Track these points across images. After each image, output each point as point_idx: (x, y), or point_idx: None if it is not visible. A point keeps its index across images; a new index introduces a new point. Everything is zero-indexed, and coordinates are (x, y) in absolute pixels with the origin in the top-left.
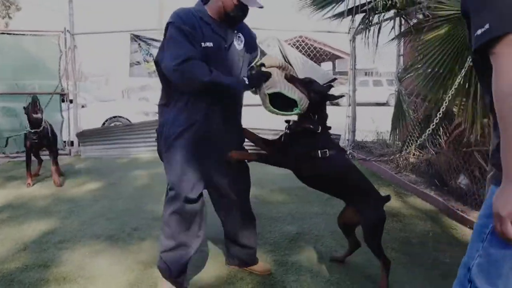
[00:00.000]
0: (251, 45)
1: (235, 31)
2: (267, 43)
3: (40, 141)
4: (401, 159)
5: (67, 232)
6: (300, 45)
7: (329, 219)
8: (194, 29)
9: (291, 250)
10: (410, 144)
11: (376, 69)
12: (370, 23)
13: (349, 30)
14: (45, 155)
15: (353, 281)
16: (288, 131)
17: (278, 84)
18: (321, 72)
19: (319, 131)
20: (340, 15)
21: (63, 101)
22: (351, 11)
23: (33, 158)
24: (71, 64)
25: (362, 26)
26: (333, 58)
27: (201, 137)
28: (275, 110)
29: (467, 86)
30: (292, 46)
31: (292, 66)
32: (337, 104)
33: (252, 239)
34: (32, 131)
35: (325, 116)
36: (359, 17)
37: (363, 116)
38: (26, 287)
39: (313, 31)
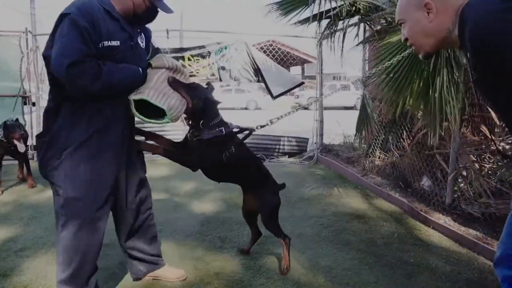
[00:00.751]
0: (148, 43)
1: (138, 29)
2: (234, 47)
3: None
4: (367, 162)
5: (28, 240)
6: (271, 49)
7: (296, 222)
8: (95, 26)
9: (259, 254)
10: (375, 148)
11: (344, 73)
12: (335, 29)
13: (316, 34)
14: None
15: (319, 283)
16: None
17: (147, 90)
18: (288, 76)
19: (210, 138)
20: (306, 20)
21: (25, 103)
22: (316, 17)
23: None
24: (33, 65)
25: (328, 32)
26: (302, 62)
27: (105, 145)
28: (140, 116)
29: (428, 91)
30: (262, 50)
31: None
32: (306, 108)
33: (155, 245)
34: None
35: (215, 120)
36: (325, 22)
37: (331, 120)
38: None
39: (282, 36)
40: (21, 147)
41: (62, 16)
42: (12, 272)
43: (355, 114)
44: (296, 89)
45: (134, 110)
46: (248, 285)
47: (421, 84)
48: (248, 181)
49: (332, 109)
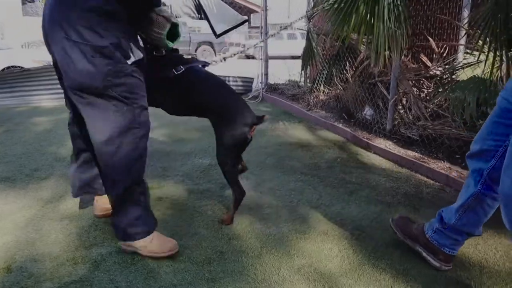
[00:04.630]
0: None
1: None
2: None
3: None
4: (312, 97)
5: None
6: None
7: None
8: None
9: (203, 179)
10: (320, 83)
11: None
12: None
13: None
14: None
15: (263, 203)
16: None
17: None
18: (232, 13)
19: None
20: None
21: None
22: None
23: None
24: None
25: None
26: (248, 12)
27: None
28: (165, 40)
29: (371, 20)
30: None
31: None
32: (253, 58)
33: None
34: None
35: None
36: None
37: (278, 67)
38: None
39: None
40: None
41: None
42: None
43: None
44: (242, 39)
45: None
46: (191, 206)
47: (365, 13)
48: (205, 109)
49: (278, 59)
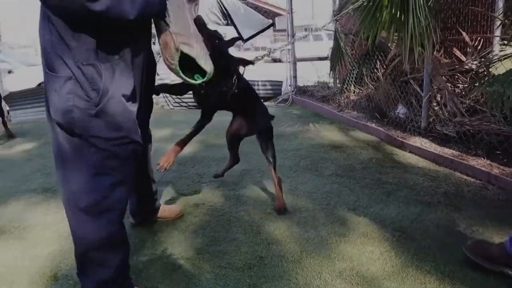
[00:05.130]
0: None
1: None
2: None
3: None
4: (343, 98)
5: None
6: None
7: None
8: None
9: (239, 185)
10: (350, 83)
11: (315, 25)
12: None
13: None
14: None
15: (300, 206)
16: None
17: (193, 42)
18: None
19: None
20: None
21: None
22: None
23: None
24: None
25: None
26: (273, 16)
27: None
28: (181, 75)
29: (401, 17)
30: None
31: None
32: (279, 61)
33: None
34: None
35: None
36: None
37: (306, 69)
38: None
39: None
40: None
41: None
42: None
43: (328, 64)
44: (268, 42)
45: (177, 63)
46: (228, 212)
47: (394, 10)
48: (242, 105)
49: (305, 61)
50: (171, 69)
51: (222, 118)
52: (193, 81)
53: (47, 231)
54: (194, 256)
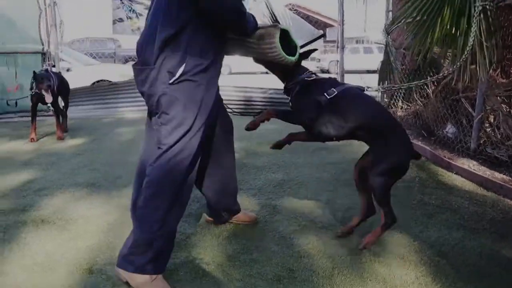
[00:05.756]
0: None
1: None
2: None
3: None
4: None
5: (47, 181)
6: (292, 12)
7: (313, 168)
8: None
9: (276, 194)
10: (398, 98)
11: (367, 37)
12: None
13: None
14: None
15: (336, 221)
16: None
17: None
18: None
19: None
20: None
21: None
22: None
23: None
24: (51, 21)
25: None
26: (324, 26)
27: None
28: (282, 53)
29: (456, 33)
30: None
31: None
32: (327, 72)
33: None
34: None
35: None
36: None
37: (354, 82)
38: (2, 229)
39: None
40: (48, 98)
41: None
42: (30, 208)
43: (377, 77)
44: (318, 53)
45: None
46: (263, 221)
47: (450, 25)
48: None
49: (354, 73)
50: (271, 51)
51: (266, 127)
52: (291, 58)
53: (88, 225)
54: (225, 263)
